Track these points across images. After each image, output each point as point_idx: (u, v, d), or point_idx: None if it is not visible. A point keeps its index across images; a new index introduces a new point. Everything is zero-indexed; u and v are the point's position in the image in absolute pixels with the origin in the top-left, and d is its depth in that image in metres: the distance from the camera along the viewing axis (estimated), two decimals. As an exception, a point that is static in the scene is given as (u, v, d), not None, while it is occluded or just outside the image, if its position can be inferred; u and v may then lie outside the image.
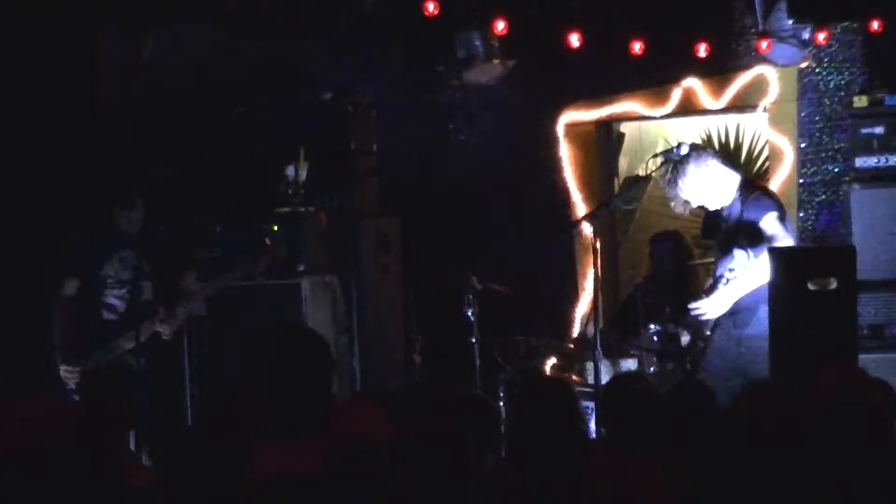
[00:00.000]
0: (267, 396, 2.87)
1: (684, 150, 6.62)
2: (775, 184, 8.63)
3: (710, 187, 6.59)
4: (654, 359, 7.36)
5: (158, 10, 7.36)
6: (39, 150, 7.48)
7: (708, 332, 6.70)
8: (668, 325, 7.31)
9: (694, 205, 6.72)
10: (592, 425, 6.56)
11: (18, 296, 7.29)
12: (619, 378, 5.57)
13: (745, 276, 6.42)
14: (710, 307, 6.53)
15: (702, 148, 6.86)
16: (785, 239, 6.47)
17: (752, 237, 6.47)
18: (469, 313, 7.50)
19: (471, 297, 7.57)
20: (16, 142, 7.38)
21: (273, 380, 2.88)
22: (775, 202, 6.64)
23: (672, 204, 6.74)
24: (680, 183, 6.57)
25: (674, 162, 6.59)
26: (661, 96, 9.01)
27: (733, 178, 6.66)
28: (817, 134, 8.61)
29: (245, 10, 7.68)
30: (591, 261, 6.45)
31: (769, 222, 6.46)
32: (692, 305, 6.58)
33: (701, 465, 3.84)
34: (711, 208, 6.68)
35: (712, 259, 7.30)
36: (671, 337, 7.28)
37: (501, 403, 7.17)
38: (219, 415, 4.71)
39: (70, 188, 7.55)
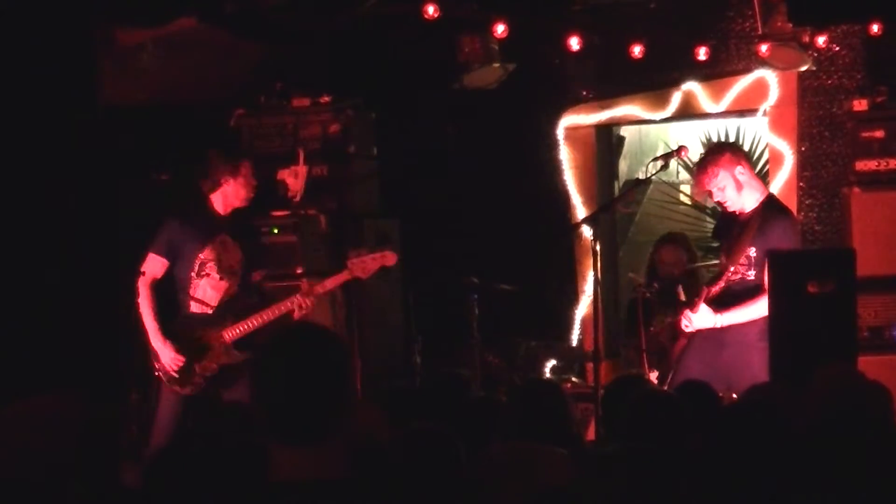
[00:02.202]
0: (279, 401, 2.77)
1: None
2: (775, 187, 8.63)
3: (735, 189, 6.56)
4: (656, 360, 7.35)
5: (158, 12, 7.35)
6: (39, 150, 7.47)
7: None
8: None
9: (714, 199, 6.72)
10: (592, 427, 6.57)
11: (18, 296, 7.27)
12: (621, 379, 5.57)
13: (740, 314, 6.46)
14: (698, 321, 6.54)
15: (740, 151, 6.85)
16: None
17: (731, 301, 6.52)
18: (469, 314, 7.50)
19: (471, 298, 7.57)
20: (15, 142, 7.37)
21: (287, 384, 2.77)
22: (796, 233, 6.64)
23: (694, 189, 6.76)
24: (709, 171, 6.55)
25: (710, 151, 6.67)
26: (661, 100, 9.01)
27: (762, 192, 6.63)
28: (817, 137, 8.62)
29: (245, 11, 7.69)
30: (591, 263, 6.45)
31: None
32: (684, 316, 6.58)
33: (700, 465, 3.85)
34: (729, 210, 6.65)
35: (715, 262, 7.31)
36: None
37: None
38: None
39: (68, 189, 7.54)
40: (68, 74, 7.45)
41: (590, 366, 7.58)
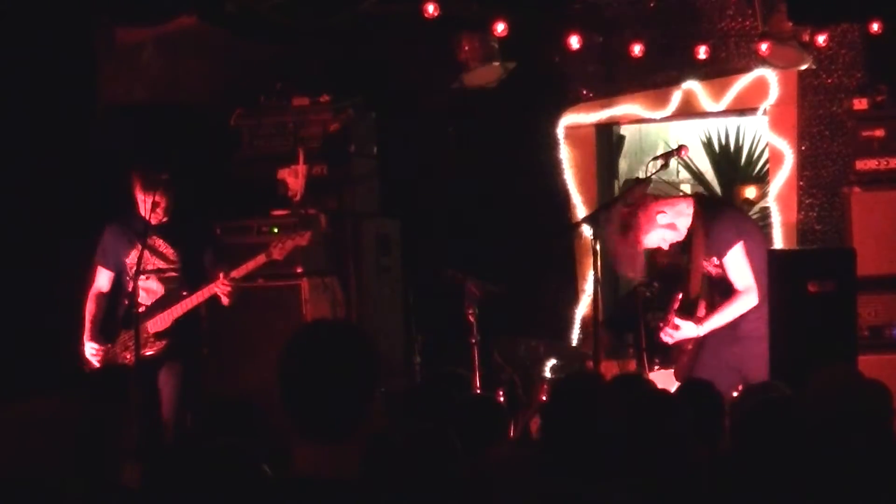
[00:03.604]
0: (305, 399, 2.78)
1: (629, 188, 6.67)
2: (775, 186, 8.64)
3: (672, 230, 6.60)
4: (655, 359, 7.34)
5: (158, 10, 7.35)
6: (39, 151, 7.47)
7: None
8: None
9: (665, 247, 6.71)
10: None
11: (18, 296, 7.27)
12: (620, 379, 5.55)
13: (720, 318, 6.50)
14: (680, 334, 6.56)
15: (643, 200, 6.64)
16: (745, 271, 6.46)
17: (724, 292, 6.56)
18: (469, 313, 7.49)
19: (470, 297, 7.56)
20: (15, 143, 7.37)
21: (313, 381, 2.78)
22: (738, 230, 6.56)
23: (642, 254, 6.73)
24: (639, 240, 6.56)
25: (622, 221, 6.55)
26: (661, 99, 9.01)
27: (687, 205, 6.65)
28: (818, 136, 8.61)
29: (245, 11, 7.68)
30: (591, 263, 6.45)
31: (733, 259, 6.47)
32: (664, 332, 6.60)
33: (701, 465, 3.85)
34: (681, 240, 6.67)
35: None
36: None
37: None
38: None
39: (68, 191, 7.53)
40: (68, 73, 7.46)
41: (590, 365, 7.55)
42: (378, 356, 2.85)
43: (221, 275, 6.69)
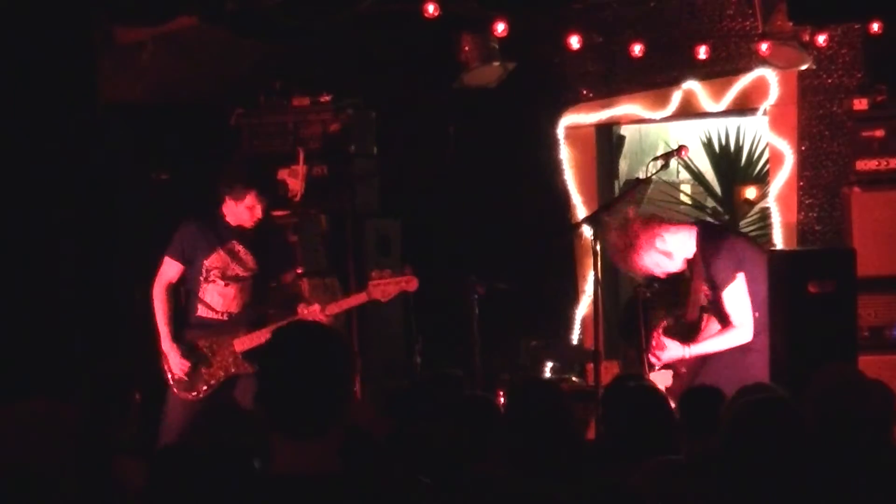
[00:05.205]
0: (282, 396, 2.86)
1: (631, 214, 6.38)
2: (775, 186, 8.64)
3: (668, 258, 6.43)
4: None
5: (158, 10, 7.35)
6: (38, 152, 7.46)
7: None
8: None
9: (658, 273, 6.51)
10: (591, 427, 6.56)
11: (18, 296, 7.26)
12: (622, 379, 5.56)
13: (708, 346, 6.39)
14: (666, 355, 6.49)
15: (644, 223, 6.45)
16: (743, 306, 6.24)
17: (722, 318, 6.38)
18: (469, 314, 7.50)
19: (471, 297, 7.57)
20: (14, 143, 7.36)
21: (290, 379, 2.86)
22: (737, 263, 6.31)
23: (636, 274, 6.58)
24: (635, 263, 6.42)
25: (624, 232, 6.37)
26: (661, 99, 9.01)
27: (689, 236, 6.43)
28: (818, 136, 8.61)
29: (245, 10, 7.68)
30: (591, 263, 6.44)
31: (732, 294, 6.25)
32: (652, 354, 6.54)
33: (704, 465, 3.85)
34: (678, 271, 6.51)
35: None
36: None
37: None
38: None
39: (68, 191, 7.53)
40: (68, 73, 7.45)
41: (590, 365, 7.56)
42: (352, 356, 2.95)
43: (319, 307, 6.58)
